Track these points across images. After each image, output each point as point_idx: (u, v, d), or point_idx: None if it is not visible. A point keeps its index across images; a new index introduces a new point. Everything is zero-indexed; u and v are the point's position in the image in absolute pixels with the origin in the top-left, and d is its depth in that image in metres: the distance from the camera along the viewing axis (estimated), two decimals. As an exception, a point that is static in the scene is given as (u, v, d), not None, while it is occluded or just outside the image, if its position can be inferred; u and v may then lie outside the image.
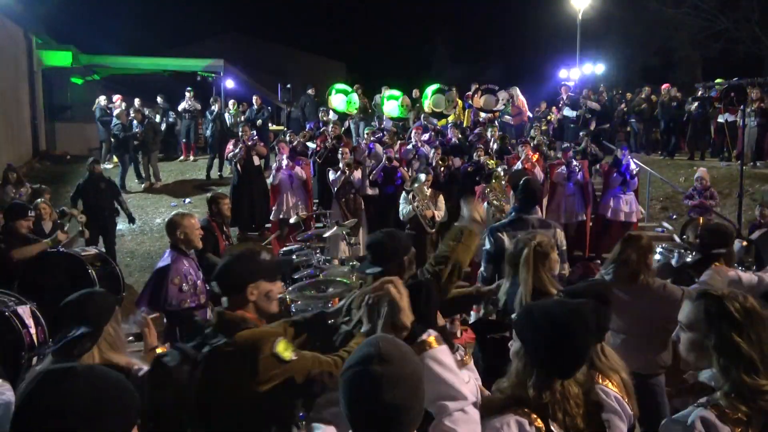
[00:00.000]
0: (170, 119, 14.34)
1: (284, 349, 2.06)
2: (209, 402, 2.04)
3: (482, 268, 4.32)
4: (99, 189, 8.66)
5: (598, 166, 10.13)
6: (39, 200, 6.91)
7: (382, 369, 1.29)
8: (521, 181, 4.55)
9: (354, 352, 1.39)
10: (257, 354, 2.02)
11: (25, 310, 4.29)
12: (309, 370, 2.07)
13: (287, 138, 10.28)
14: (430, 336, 1.68)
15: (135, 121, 11.95)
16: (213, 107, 12.76)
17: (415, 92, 13.64)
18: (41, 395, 1.18)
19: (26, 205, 5.80)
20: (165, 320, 4.22)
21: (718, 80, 11.55)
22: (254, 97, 14.15)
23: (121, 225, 9.87)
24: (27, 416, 1.19)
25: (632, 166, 8.82)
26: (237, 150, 9.51)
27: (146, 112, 12.82)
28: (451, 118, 12.39)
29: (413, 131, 10.27)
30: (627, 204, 8.75)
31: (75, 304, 2.16)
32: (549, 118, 14.05)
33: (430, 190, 7.30)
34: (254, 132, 10.34)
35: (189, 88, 13.94)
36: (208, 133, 12.74)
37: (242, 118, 13.20)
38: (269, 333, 2.13)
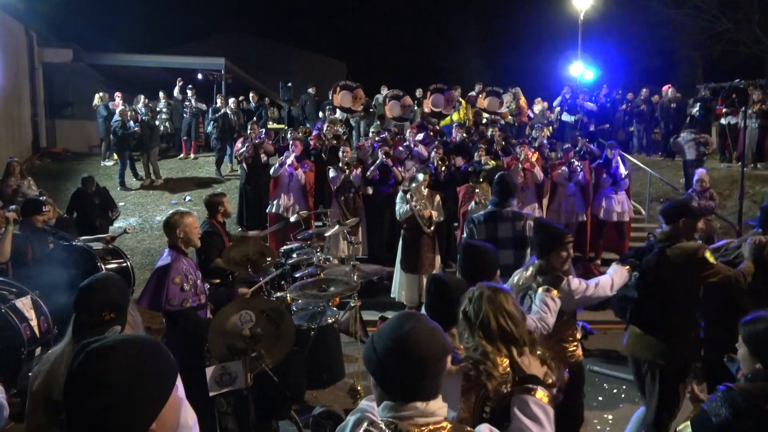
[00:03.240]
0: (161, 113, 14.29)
1: (709, 256, 3.58)
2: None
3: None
4: (92, 204, 8.63)
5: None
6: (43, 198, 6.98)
7: (409, 333, 1.55)
8: (496, 176, 4.85)
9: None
10: (694, 256, 3.57)
11: (25, 302, 4.29)
12: (723, 272, 3.57)
13: (289, 134, 10.24)
14: (538, 391, 1.89)
15: (130, 121, 11.97)
16: (217, 104, 12.74)
17: (419, 91, 13.63)
18: (84, 372, 1.25)
19: (40, 200, 5.86)
20: (164, 321, 4.14)
21: (735, 81, 11.76)
22: (251, 94, 14.11)
23: (121, 222, 9.89)
24: (73, 395, 1.25)
25: (621, 169, 8.76)
26: (244, 148, 9.50)
27: (140, 109, 12.83)
28: (455, 117, 12.37)
29: (408, 130, 10.25)
30: (619, 204, 8.76)
31: (98, 287, 2.15)
32: (550, 117, 14.07)
33: (426, 189, 7.25)
34: (263, 130, 10.31)
35: (191, 86, 13.93)
36: (209, 129, 12.73)
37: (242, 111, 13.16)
38: (700, 245, 3.67)
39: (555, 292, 3.16)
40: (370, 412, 1.66)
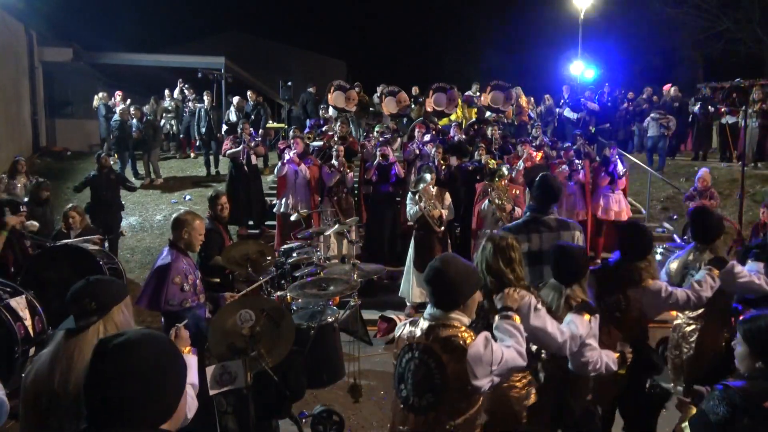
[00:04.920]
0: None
1: None
2: None
3: None
4: (109, 180, 8.68)
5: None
6: (69, 207, 6.81)
7: (439, 264, 2.42)
8: (538, 177, 3.97)
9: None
10: None
11: (19, 302, 4.26)
12: None
13: (291, 133, 10.20)
14: (515, 317, 2.57)
15: (134, 120, 11.93)
16: (205, 103, 12.66)
17: (415, 89, 13.57)
18: (110, 365, 1.31)
19: (18, 202, 5.70)
20: (162, 321, 4.09)
21: (736, 80, 11.88)
22: (249, 93, 13.98)
23: (123, 222, 9.87)
24: (98, 387, 1.30)
25: (620, 167, 8.79)
26: (239, 148, 9.45)
27: (146, 110, 12.76)
28: (453, 117, 12.35)
29: (416, 130, 10.20)
30: (616, 203, 8.77)
31: (84, 285, 2.24)
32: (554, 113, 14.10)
33: (435, 188, 7.28)
34: (252, 129, 10.27)
35: (187, 85, 13.89)
36: (203, 129, 12.65)
37: (237, 113, 13.04)
38: None
39: (716, 272, 3.48)
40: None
